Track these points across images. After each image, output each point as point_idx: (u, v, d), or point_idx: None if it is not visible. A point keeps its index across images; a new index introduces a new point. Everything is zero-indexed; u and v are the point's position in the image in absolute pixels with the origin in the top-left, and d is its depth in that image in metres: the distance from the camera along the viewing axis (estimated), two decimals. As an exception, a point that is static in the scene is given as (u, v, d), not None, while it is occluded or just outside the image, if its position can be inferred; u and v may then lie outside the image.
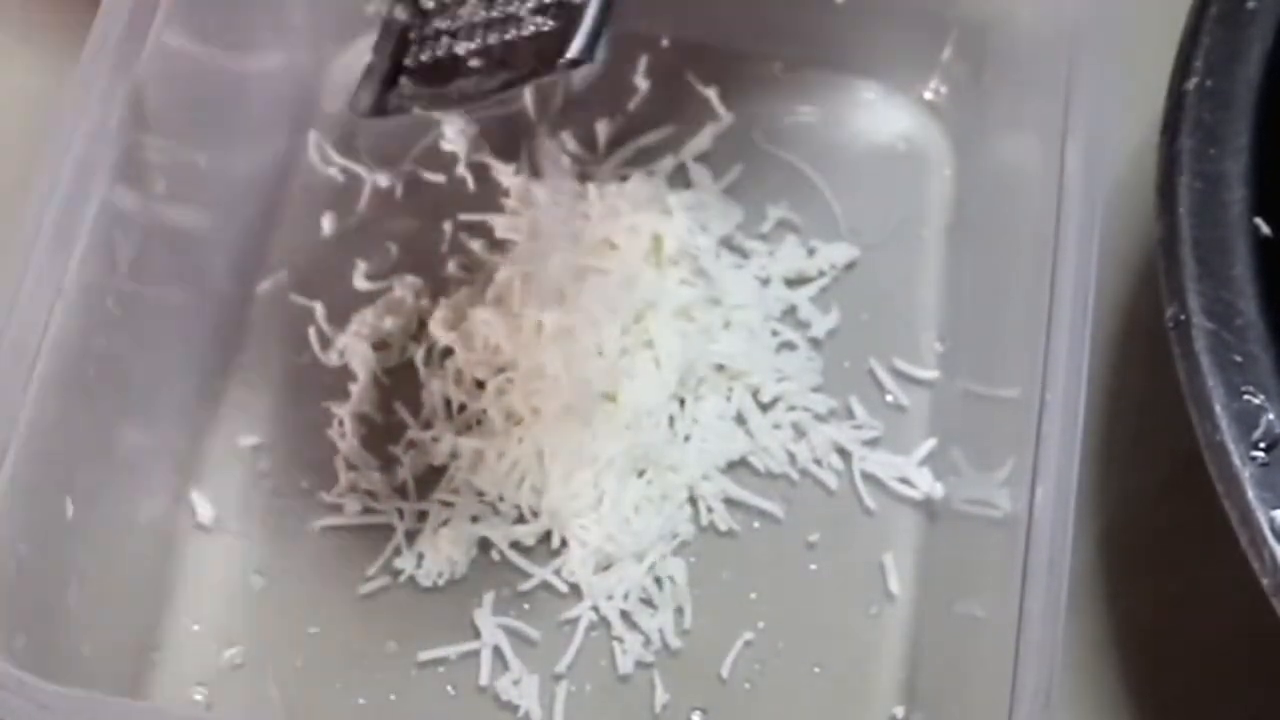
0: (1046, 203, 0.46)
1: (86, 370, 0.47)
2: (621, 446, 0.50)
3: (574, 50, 0.43)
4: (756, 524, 0.51)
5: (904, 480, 0.52)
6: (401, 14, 0.48)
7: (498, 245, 0.54)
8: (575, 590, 0.50)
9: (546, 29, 0.44)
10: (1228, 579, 0.43)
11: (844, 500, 0.52)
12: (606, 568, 0.50)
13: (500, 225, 0.54)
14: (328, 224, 0.55)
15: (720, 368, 0.53)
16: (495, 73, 0.45)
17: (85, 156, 0.46)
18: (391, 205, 0.56)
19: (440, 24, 0.47)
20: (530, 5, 0.45)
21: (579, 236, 0.53)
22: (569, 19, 0.44)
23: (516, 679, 0.49)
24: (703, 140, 0.56)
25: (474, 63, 0.45)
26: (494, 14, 0.45)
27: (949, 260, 0.55)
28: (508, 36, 0.45)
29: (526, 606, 0.50)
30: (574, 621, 0.50)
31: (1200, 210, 0.45)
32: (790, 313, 0.54)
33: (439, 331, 0.53)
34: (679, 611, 0.50)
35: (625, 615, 0.50)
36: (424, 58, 0.47)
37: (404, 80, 0.47)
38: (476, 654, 0.49)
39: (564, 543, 0.50)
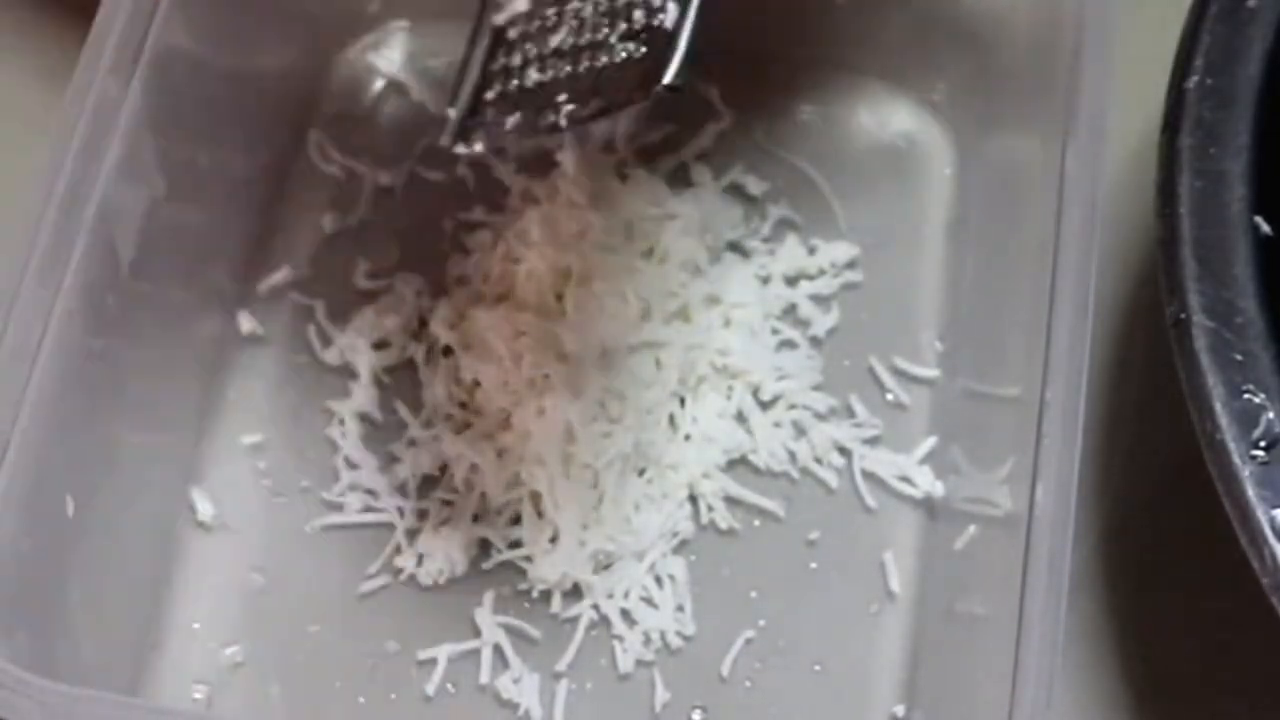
0: (1046, 203, 0.46)
1: (86, 370, 0.47)
2: (621, 446, 0.50)
3: (670, 76, 0.43)
4: (757, 522, 0.51)
5: (904, 479, 0.52)
6: (484, 44, 0.48)
7: (498, 245, 0.54)
8: (575, 589, 0.50)
9: (638, 55, 0.44)
10: (1228, 578, 0.43)
11: (844, 499, 0.52)
12: (607, 567, 0.50)
13: (500, 225, 0.54)
14: (328, 223, 0.55)
15: (720, 366, 0.53)
16: (588, 101, 0.45)
17: (85, 156, 0.46)
18: (392, 204, 0.56)
19: (527, 53, 0.47)
20: (620, 31, 0.45)
21: (579, 236, 0.53)
22: (660, 44, 0.44)
23: (517, 677, 0.49)
24: (703, 139, 0.56)
25: (563, 94, 0.45)
26: (582, 41, 0.45)
27: (949, 260, 0.55)
28: (599, 64, 0.45)
29: (526, 606, 0.50)
30: (574, 620, 0.50)
31: (1200, 210, 0.45)
32: (790, 311, 0.54)
33: (439, 331, 0.53)
34: (679, 610, 0.50)
35: (626, 614, 0.50)
36: (511, 87, 0.47)
37: (491, 111, 0.47)
38: (477, 653, 0.49)
39: (564, 542, 0.50)
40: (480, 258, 0.54)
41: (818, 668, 0.50)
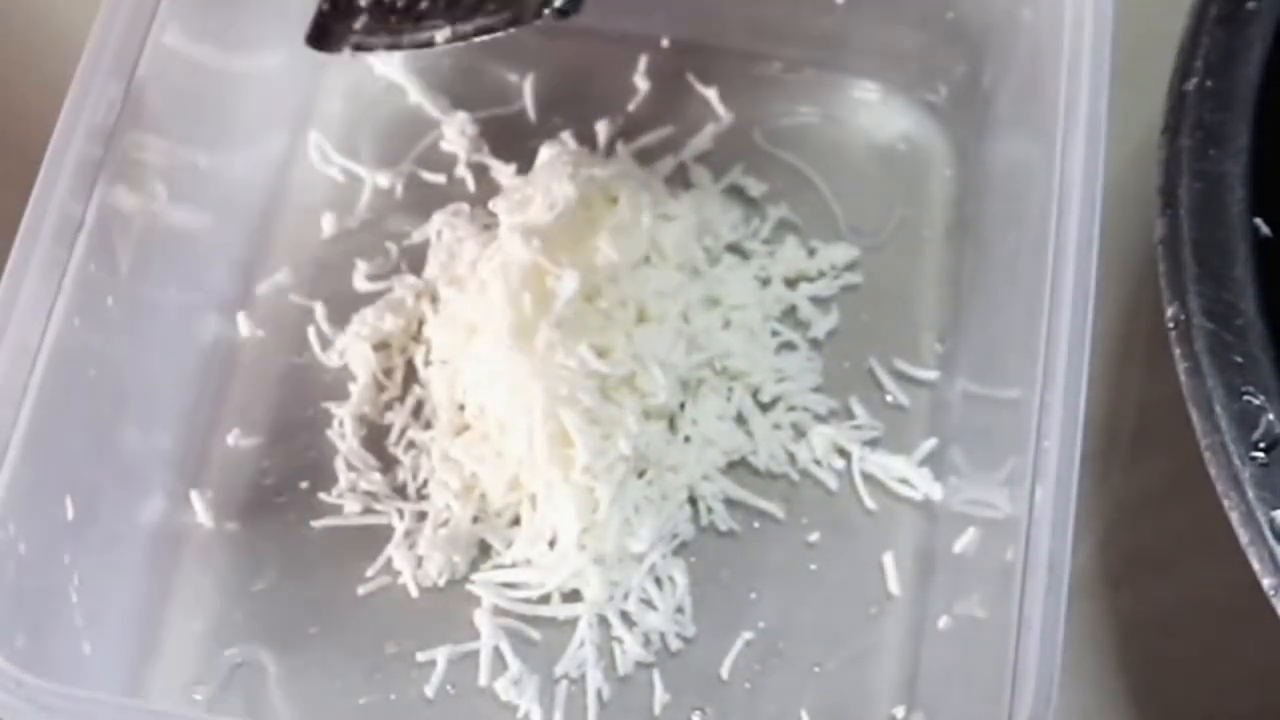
0: (1046, 203, 0.46)
1: (86, 370, 0.47)
2: (621, 448, 0.50)
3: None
4: (756, 524, 0.51)
5: (904, 480, 0.52)
6: None
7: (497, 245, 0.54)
8: (575, 591, 0.50)
9: None
10: (1228, 579, 0.43)
11: (844, 500, 0.52)
12: (606, 569, 0.50)
13: (500, 225, 0.54)
14: (328, 224, 0.55)
15: (720, 368, 0.53)
16: (470, 18, 0.44)
17: (85, 156, 0.46)
18: (391, 205, 0.56)
19: None
20: None
21: (577, 238, 0.53)
22: None
23: (516, 679, 0.49)
24: (703, 140, 0.56)
25: (445, 8, 0.44)
26: None
27: (949, 260, 0.55)
28: None
29: (526, 607, 0.50)
30: (574, 621, 0.50)
31: (1200, 210, 0.45)
32: (790, 313, 0.54)
33: (438, 333, 0.53)
34: (679, 612, 0.50)
35: (625, 615, 0.50)
36: None
37: (365, 17, 0.46)
38: (476, 654, 0.49)
39: (564, 544, 0.50)
40: (478, 260, 0.54)
41: (817, 669, 0.50)
